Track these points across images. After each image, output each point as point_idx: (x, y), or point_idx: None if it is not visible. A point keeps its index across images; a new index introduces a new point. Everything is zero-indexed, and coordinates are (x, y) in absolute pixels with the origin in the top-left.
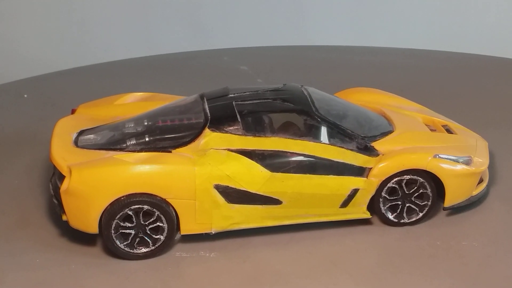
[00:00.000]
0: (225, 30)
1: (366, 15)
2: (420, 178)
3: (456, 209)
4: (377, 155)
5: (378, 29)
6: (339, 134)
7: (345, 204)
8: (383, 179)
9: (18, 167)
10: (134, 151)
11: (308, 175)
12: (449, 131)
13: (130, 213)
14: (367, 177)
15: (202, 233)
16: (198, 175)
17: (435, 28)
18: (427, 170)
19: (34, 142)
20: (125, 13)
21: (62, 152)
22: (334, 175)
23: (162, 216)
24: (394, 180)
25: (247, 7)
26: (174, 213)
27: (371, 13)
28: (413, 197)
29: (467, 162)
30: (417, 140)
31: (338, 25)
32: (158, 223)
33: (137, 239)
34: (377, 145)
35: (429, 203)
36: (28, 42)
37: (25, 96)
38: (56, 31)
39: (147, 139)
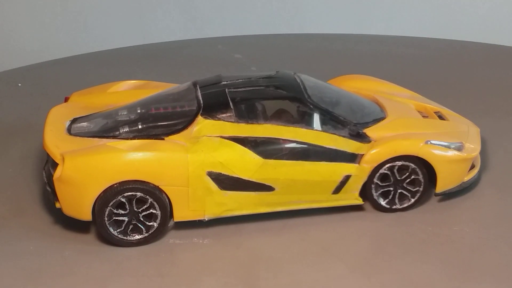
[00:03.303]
0: (219, 19)
1: (360, 3)
2: (412, 164)
3: (448, 195)
4: (369, 141)
5: (372, 17)
6: (331, 121)
7: (337, 190)
8: (375, 165)
9: (12, 155)
10: (127, 138)
11: (300, 162)
12: (441, 117)
13: (123, 200)
14: (359, 164)
15: (195, 220)
16: (191, 162)
17: (429, 15)
18: (419, 156)
19: (28, 130)
20: (119, 2)
21: (55, 140)
22: (326, 161)
23: (155, 203)
24: (386, 166)
25: None
26: (167, 200)
27: (365, 1)
28: (405, 183)
29: (459, 148)
30: (409, 127)
31: (332, 13)
32: (151, 210)
33: (131, 226)
34: (369, 131)
35: (421, 189)
36: (22, 31)
37: (20, 85)
38: (50, 20)
39: (140, 126)
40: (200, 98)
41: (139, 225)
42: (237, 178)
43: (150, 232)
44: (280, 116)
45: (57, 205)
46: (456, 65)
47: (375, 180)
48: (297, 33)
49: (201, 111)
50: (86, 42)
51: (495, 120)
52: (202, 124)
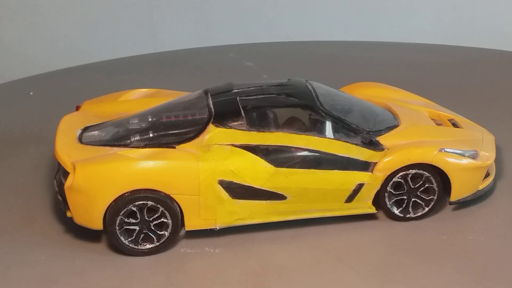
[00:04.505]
0: (230, 26)
1: (372, 10)
2: (425, 173)
3: (462, 204)
4: (382, 149)
5: (384, 24)
6: (344, 129)
7: (350, 199)
8: (388, 173)
9: (23, 164)
10: (138, 147)
11: (312, 170)
12: (455, 125)
13: (135, 209)
14: (372, 172)
15: (207, 229)
16: (202, 171)
17: (441, 22)
18: (433, 164)
19: (40, 139)
20: (130, 10)
21: (67, 149)
22: (339, 169)
23: (166, 212)
24: (400, 174)
25: (252, 3)
26: (178, 209)
27: (377, 8)
28: (419, 191)
29: (473, 156)
30: (423, 134)
31: (344, 20)
32: (162, 219)
33: (142, 235)
34: (382, 139)
35: (435, 197)
36: (34, 40)
37: (31, 93)
38: (61, 28)
39: (151, 135)
40: (212, 106)
41: (150, 234)
42: (249, 186)
43: (161, 241)
44: (291, 124)
45: (68, 214)
46: (470, 72)
47: (389, 189)
48: (309, 41)
49: (212, 119)
50: (97, 50)
51: (510, 127)
52: (213, 133)
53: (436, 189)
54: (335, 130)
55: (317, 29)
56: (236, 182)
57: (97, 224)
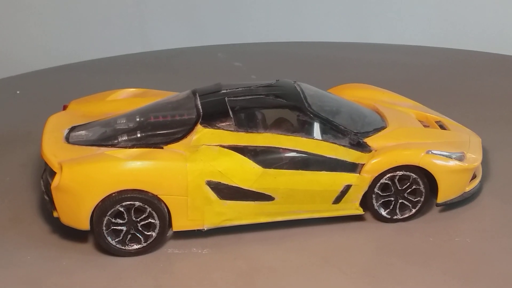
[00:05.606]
0: (219, 26)
1: (362, 11)
2: (413, 174)
3: (449, 205)
4: (370, 151)
5: (373, 25)
6: (332, 130)
7: (337, 200)
8: (376, 175)
9: (10, 164)
10: (125, 147)
11: (300, 171)
12: (442, 127)
13: (122, 209)
14: (359, 173)
15: (194, 230)
16: (190, 171)
17: (431, 24)
18: (420, 166)
19: (27, 138)
20: (119, 9)
21: (53, 149)
22: (326, 171)
23: (154, 212)
24: (387, 176)
25: (241, 3)
26: (166, 209)
27: (366, 9)
28: (406, 193)
29: (460, 158)
30: (410, 136)
31: (333, 21)
32: (150, 220)
33: (129, 236)
34: (370, 141)
35: (422, 199)
36: (21, 39)
37: (18, 92)
38: (49, 27)
39: (138, 135)
40: (200, 107)
41: (138, 234)
42: (237, 187)
43: (148, 242)
44: (280, 125)
45: (55, 214)
46: (457, 74)
47: (376, 190)
48: (298, 41)
49: (200, 120)
50: (85, 49)
51: (496, 130)
52: (201, 133)
53: (423, 190)
54: (323, 131)
55: (306, 29)
56: (224, 183)
57: (84, 224)
